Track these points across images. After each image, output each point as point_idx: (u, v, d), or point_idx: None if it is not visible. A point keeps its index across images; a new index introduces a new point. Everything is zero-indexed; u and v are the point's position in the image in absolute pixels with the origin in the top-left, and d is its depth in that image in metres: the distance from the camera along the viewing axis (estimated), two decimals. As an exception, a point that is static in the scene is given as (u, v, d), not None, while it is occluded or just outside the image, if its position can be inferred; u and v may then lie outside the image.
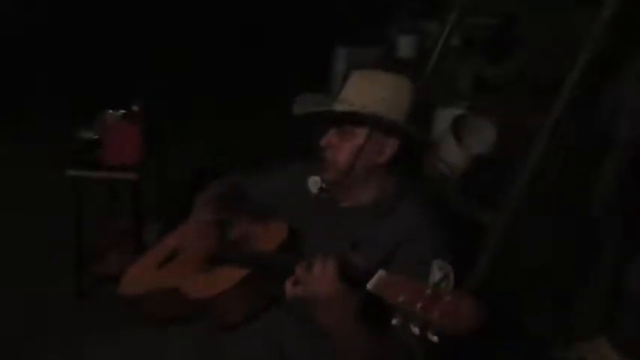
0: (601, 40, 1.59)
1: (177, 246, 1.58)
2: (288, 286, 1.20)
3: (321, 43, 4.01)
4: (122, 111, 2.69)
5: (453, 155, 2.15)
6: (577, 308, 2.06)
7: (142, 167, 2.70)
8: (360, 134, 1.37)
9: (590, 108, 1.99)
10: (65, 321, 2.61)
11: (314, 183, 1.48)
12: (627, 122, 1.93)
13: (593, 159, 2.02)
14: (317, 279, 1.15)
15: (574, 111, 1.69)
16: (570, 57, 1.67)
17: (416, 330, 0.99)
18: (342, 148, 1.39)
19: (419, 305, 0.99)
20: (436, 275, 1.21)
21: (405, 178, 1.44)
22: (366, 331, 1.19)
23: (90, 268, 2.86)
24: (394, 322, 1.03)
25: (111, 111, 2.70)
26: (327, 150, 1.42)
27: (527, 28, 2.59)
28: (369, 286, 1.09)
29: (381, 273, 1.09)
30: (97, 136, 2.69)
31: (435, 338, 0.98)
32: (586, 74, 1.61)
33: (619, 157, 1.92)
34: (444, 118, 2.32)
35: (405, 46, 3.49)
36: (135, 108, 2.71)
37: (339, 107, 1.40)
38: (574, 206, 2.07)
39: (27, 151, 4.20)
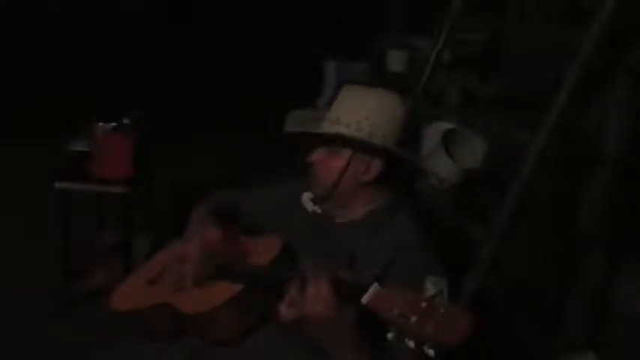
0: (589, 57, 1.61)
1: (171, 262, 1.57)
2: (283, 308, 1.19)
3: (314, 55, 4.04)
4: (113, 124, 2.68)
5: (443, 169, 2.16)
6: (565, 320, 2.08)
7: (132, 181, 2.69)
8: (345, 153, 1.38)
9: (577, 122, 2.02)
10: (54, 334, 2.60)
11: (308, 199, 1.48)
12: (615, 137, 1.95)
13: (580, 172, 2.04)
14: (311, 299, 1.15)
15: (561, 124, 1.71)
16: (558, 73, 1.70)
17: (411, 344, 1.00)
18: (327, 166, 1.40)
19: (414, 319, 0.99)
20: (430, 290, 1.22)
21: (398, 192, 1.45)
22: (363, 347, 1.19)
23: (77, 282, 2.84)
24: (389, 336, 1.03)
25: (101, 124, 2.69)
26: (314, 167, 1.43)
27: (516, 43, 2.62)
28: (364, 300, 1.08)
29: (375, 287, 1.09)
30: (87, 149, 2.67)
31: (430, 352, 0.98)
32: (575, 91, 1.64)
33: (607, 172, 1.94)
34: (434, 132, 2.34)
35: (395, 60, 3.53)
36: (126, 121, 2.70)
37: (325, 127, 1.40)
38: (562, 218, 2.09)
39: (20, 157, 4.18)
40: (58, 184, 2.66)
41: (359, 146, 1.36)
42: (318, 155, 1.42)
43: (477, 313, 0.99)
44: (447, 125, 2.33)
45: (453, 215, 2.08)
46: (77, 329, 2.60)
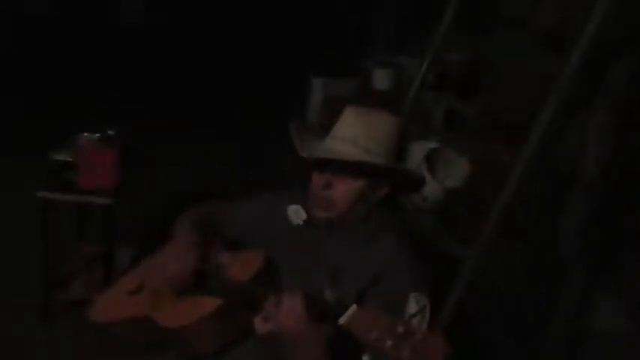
0: (569, 84, 1.65)
1: (149, 273, 1.56)
2: (258, 322, 1.20)
3: (299, 72, 4.07)
4: (98, 134, 2.67)
5: (426, 187, 2.18)
6: (545, 337, 2.09)
7: (115, 192, 2.67)
8: (362, 177, 1.39)
9: (557, 143, 2.05)
10: (32, 346, 2.56)
11: (295, 212, 1.48)
12: (594, 159, 1.98)
13: (560, 193, 2.07)
14: (285, 315, 1.15)
15: (543, 146, 1.74)
16: (541, 94, 1.73)
17: None
18: (342, 190, 1.39)
19: (389, 343, 0.99)
20: (412, 307, 1.23)
21: (387, 210, 1.46)
22: None
23: (56, 293, 2.80)
24: (365, 359, 1.03)
25: (86, 134, 2.68)
26: (326, 189, 1.40)
27: (499, 65, 2.67)
28: (341, 321, 1.09)
29: (353, 308, 1.09)
30: (71, 159, 2.66)
31: None
32: (556, 114, 1.67)
33: (586, 194, 1.97)
34: (418, 151, 2.36)
35: (381, 78, 3.56)
36: (110, 132, 2.69)
37: (345, 151, 1.37)
38: (542, 237, 2.11)
39: (8, 164, 4.13)
40: (39, 194, 2.63)
41: (379, 170, 1.37)
42: (331, 178, 1.39)
43: (456, 329, 1.00)
44: (431, 144, 2.35)
45: (436, 233, 2.09)
46: (56, 341, 2.56)
